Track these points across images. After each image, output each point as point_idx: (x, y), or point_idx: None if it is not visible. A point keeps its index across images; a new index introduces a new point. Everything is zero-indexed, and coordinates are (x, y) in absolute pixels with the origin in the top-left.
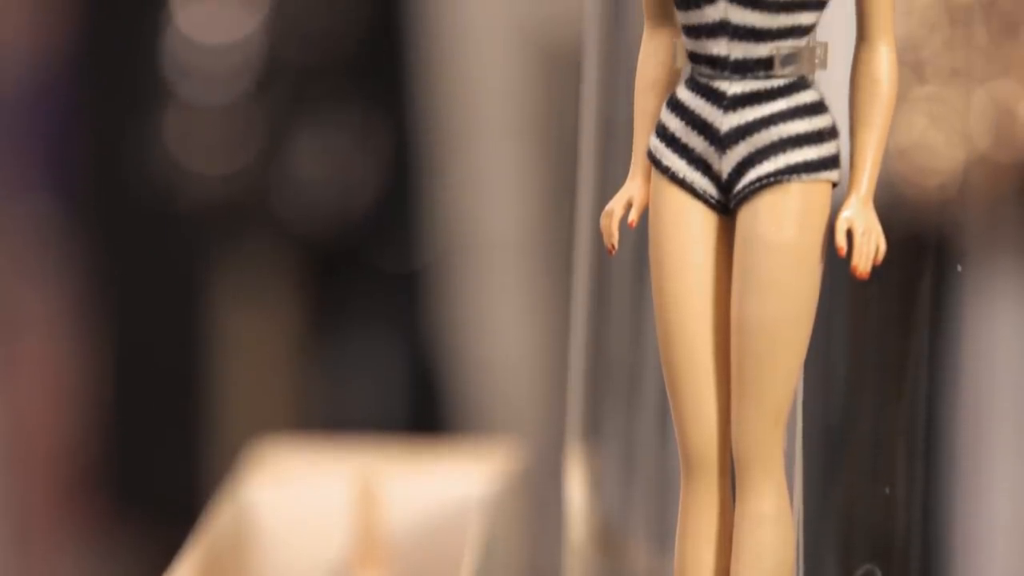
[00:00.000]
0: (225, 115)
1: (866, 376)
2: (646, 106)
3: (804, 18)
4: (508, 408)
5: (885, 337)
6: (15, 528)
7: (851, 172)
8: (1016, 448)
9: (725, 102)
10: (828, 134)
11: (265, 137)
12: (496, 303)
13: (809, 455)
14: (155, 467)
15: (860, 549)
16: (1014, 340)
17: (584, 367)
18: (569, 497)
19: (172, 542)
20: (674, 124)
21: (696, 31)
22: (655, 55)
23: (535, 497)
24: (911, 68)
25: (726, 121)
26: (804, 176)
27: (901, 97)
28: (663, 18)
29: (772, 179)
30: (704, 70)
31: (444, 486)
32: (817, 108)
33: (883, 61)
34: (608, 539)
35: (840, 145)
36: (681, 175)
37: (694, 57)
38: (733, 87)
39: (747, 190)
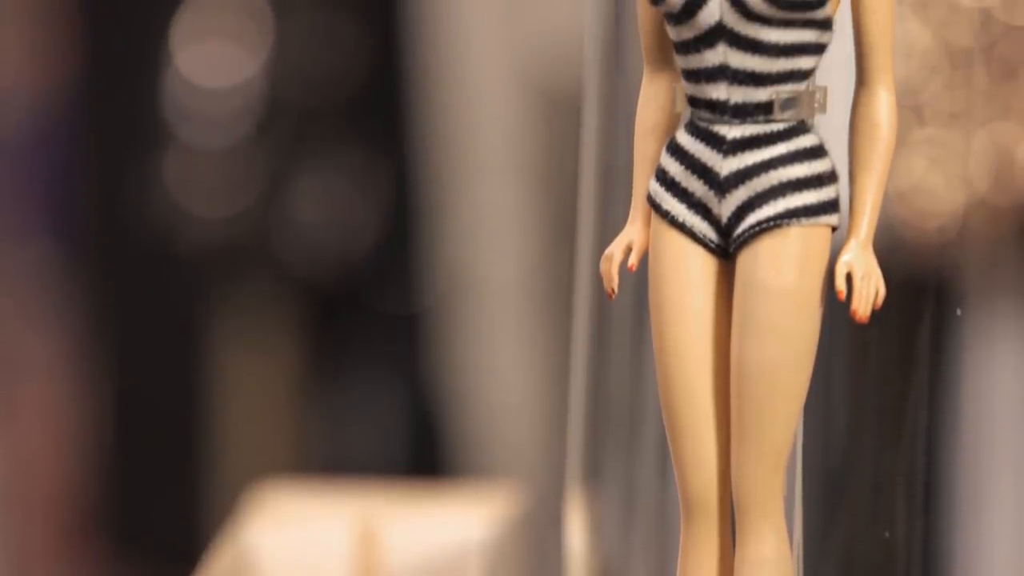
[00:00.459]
0: (225, 158)
1: (866, 419)
2: (646, 150)
3: (803, 62)
4: (508, 451)
5: (885, 380)
6: (15, 571)
7: (851, 216)
8: (1016, 492)
9: (725, 146)
10: (828, 178)
11: (265, 180)
12: (496, 346)
13: (809, 498)
14: (155, 510)
15: None
16: (1014, 383)
17: (584, 411)
18: (569, 541)
19: None
20: (674, 168)
21: (696, 75)
22: (655, 99)
23: (535, 541)
24: (911, 111)
25: (726, 165)
26: (804, 220)
27: (901, 140)
28: (663, 62)
29: (772, 223)
30: (704, 114)
31: (444, 530)
32: (817, 152)
33: (883, 105)
34: None
35: (840, 189)
36: (681, 219)
37: (693, 101)
38: (733, 131)
39: (747, 234)
